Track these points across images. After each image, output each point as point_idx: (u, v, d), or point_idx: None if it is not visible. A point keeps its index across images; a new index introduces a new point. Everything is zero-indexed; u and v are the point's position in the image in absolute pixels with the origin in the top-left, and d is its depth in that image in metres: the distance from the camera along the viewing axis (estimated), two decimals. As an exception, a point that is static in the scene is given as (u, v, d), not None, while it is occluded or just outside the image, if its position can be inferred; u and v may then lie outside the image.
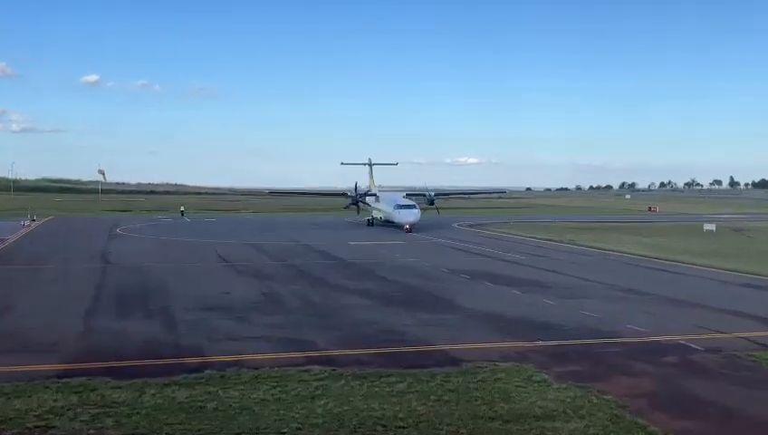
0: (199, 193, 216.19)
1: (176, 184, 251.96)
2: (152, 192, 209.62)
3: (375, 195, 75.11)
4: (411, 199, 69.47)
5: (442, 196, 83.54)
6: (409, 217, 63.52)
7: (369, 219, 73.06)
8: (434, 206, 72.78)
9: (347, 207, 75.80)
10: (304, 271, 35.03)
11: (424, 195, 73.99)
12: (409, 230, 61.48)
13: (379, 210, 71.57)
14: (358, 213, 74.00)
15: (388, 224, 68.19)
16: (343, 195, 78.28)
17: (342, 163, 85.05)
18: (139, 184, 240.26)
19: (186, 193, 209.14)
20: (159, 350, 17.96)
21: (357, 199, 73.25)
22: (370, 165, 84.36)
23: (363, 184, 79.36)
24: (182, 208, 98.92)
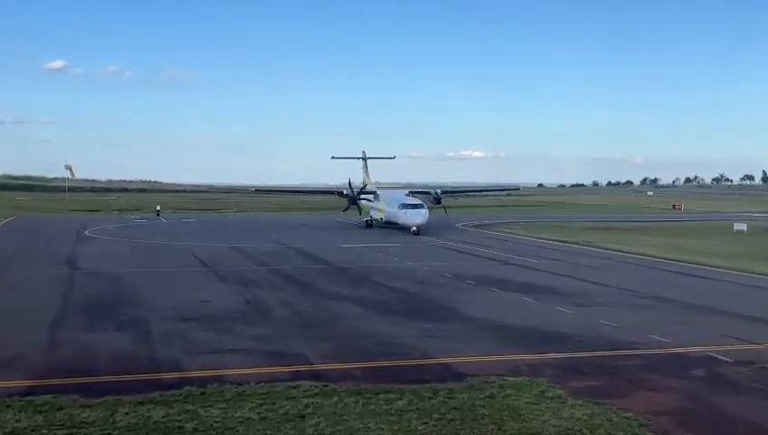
0: (177, 191, 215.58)
1: (150, 181, 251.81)
2: (125, 190, 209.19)
3: (374, 193, 74.22)
4: (416, 198, 68.62)
5: (450, 193, 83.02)
6: (417, 217, 62.28)
7: (367, 220, 71.87)
8: (441, 205, 71.98)
9: (346, 210, 73.42)
10: (292, 277, 35.09)
11: (429, 193, 73.36)
12: (417, 233, 60.79)
13: (379, 210, 70.49)
14: (360, 213, 71.79)
15: (391, 225, 67.54)
16: (338, 193, 76.51)
17: (333, 157, 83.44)
18: (111, 181, 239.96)
19: (162, 191, 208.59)
20: (133, 364, 17.96)
21: (356, 198, 71.71)
22: (365, 159, 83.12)
23: (357, 181, 78.82)
24: (158, 208, 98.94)
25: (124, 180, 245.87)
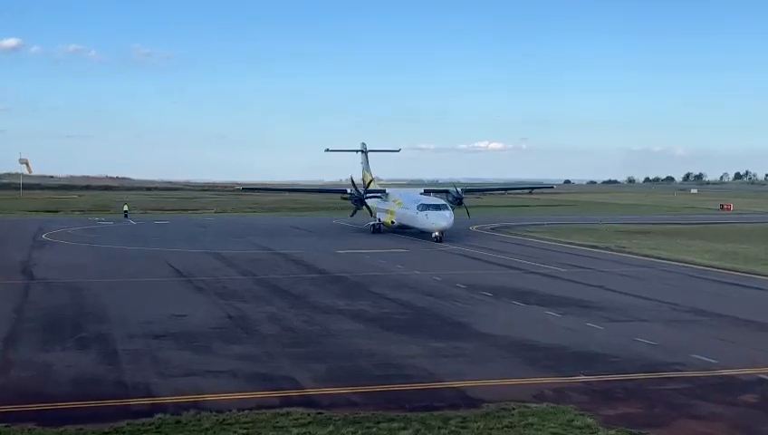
0: (148, 189, 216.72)
1: (118, 177, 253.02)
2: (88, 187, 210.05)
3: (381, 192, 72.87)
4: (438, 197, 67.27)
5: (473, 192, 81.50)
6: (440, 221, 60.40)
7: (374, 224, 70.23)
8: (462, 205, 69.39)
9: (354, 213, 72.18)
10: (281, 288, 35.25)
11: (447, 191, 71.86)
12: (439, 239, 59.30)
13: (389, 212, 68.75)
14: (371, 215, 70.43)
15: (404, 230, 66.49)
16: (342, 192, 74.66)
17: (327, 150, 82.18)
18: (72, 177, 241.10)
19: (130, 189, 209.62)
20: (97, 389, 17.98)
21: (363, 198, 70.42)
22: (365, 152, 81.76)
23: (356, 177, 78.01)
24: (125, 208, 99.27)
25: (87, 176, 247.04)
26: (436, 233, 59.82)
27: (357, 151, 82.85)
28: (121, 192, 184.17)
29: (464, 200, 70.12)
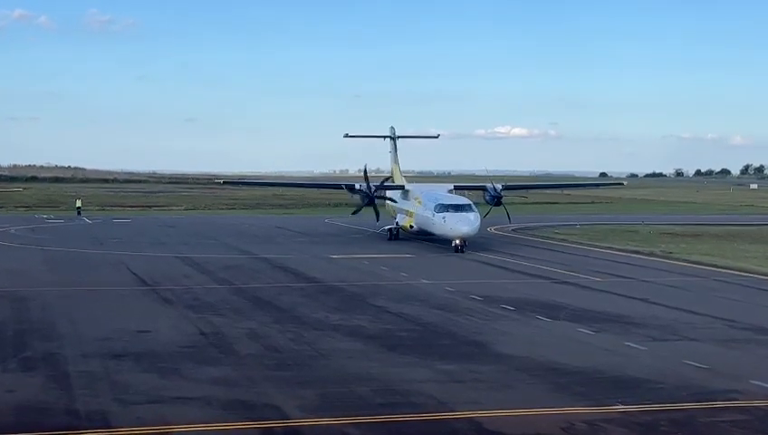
0: (106, 181, 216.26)
1: (70, 167, 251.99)
2: (33, 178, 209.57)
3: (401, 188, 70.03)
4: (463, 196, 64.61)
5: (516, 189, 76.49)
6: (461, 225, 56.31)
7: (390, 228, 66.93)
8: (501, 205, 66.05)
9: (357, 211, 68.31)
10: (264, 299, 35.33)
11: (484, 188, 68.06)
12: (460, 248, 55.76)
13: (408, 214, 65.43)
14: (378, 218, 66.54)
15: (425, 236, 62.87)
16: (347, 188, 70.56)
17: (347, 136, 79.06)
18: (15, 166, 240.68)
19: (85, 181, 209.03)
20: (45, 418, 17.90)
21: (373, 195, 65.66)
22: (394, 138, 77.96)
23: (374, 169, 73.09)
24: (79, 204, 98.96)
25: (33, 166, 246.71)
26: (457, 241, 56.14)
27: (384, 138, 78.90)
28: (74, 185, 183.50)
29: (503, 199, 66.24)
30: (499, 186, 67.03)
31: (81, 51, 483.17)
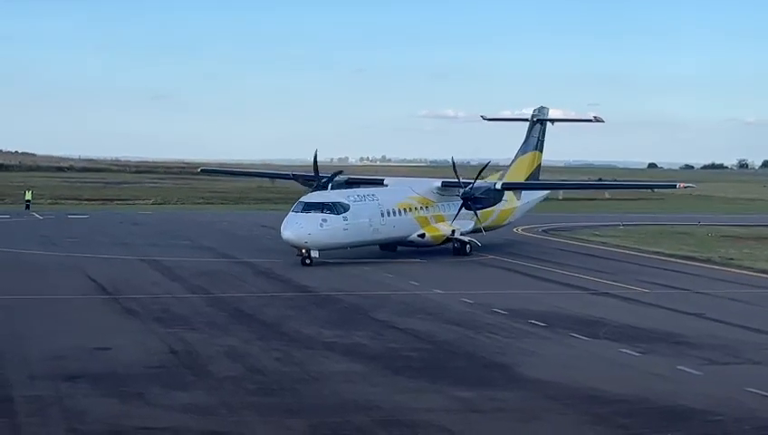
0: (60, 169, 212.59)
1: (17, 153, 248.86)
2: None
3: (379, 183, 61.16)
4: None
5: (515, 189, 67.09)
6: (286, 227, 48.12)
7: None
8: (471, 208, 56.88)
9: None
10: (246, 312, 34.65)
11: (465, 184, 56.75)
12: (305, 259, 47.11)
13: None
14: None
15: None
16: (294, 177, 62.29)
17: (485, 118, 70.59)
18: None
19: (35, 169, 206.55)
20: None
21: (321, 183, 55.43)
22: (542, 122, 66.16)
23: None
24: (28, 196, 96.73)
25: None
26: (302, 252, 47.54)
27: (528, 120, 66.73)
28: (22, 174, 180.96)
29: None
30: (497, 183, 57.91)
31: (30, 15, 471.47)
